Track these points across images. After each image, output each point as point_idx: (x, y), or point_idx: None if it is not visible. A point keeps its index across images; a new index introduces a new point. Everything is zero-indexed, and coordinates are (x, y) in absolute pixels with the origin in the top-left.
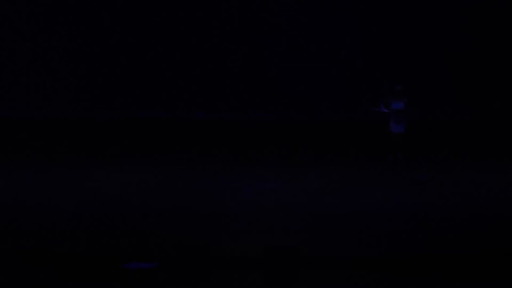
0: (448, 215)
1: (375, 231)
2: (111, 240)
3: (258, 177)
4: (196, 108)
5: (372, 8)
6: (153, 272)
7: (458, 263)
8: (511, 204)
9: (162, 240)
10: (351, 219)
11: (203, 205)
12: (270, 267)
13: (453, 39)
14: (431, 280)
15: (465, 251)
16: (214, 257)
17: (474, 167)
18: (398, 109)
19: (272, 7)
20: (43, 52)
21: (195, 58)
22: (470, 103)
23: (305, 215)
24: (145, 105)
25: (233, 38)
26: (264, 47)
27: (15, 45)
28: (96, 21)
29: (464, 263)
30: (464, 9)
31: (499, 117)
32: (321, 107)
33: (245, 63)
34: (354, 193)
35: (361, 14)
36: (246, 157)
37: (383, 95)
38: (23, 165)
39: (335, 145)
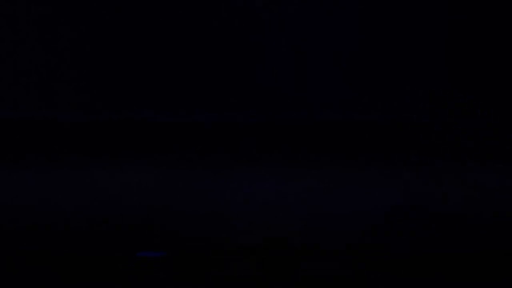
0: (449, 215)
1: (374, 231)
2: (111, 240)
3: (258, 177)
4: (196, 108)
5: (372, 7)
6: (151, 270)
7: (458, 263)
8: (511, 204)
9: (162, 240)
10: (351, 219)
11: (203, 205)
12: (268, 258)
13: (452, 39)
14: (431, 280)
15: (465, 251)
16: (213, 254)
17: (474, 167)
18: None
19: (272, 7)
20: (43, 52)
21: (195, 58)
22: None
23: (305, 215)
24: (145, 105)
25: (233, 38)
26: (264, 47)
27: (15, 45)
28: (96, 21)
29: (464, 263)
30: (465, 10)
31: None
32: (321, 107)
33: (245, 63)
34: (354, 193)
35: (362, 14)
36: (246, 157)
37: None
38: (23, 165)
39: (335, 145)
